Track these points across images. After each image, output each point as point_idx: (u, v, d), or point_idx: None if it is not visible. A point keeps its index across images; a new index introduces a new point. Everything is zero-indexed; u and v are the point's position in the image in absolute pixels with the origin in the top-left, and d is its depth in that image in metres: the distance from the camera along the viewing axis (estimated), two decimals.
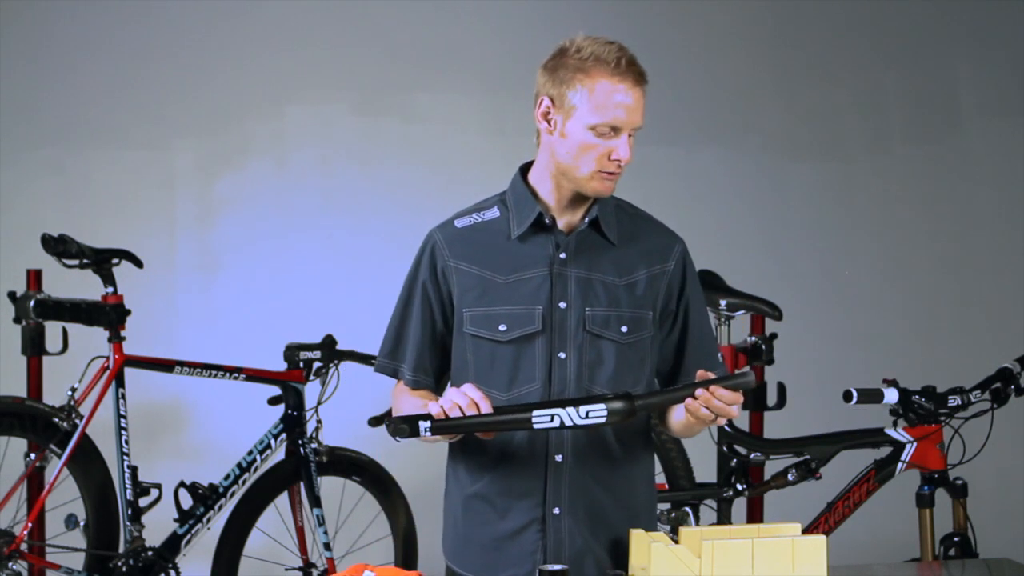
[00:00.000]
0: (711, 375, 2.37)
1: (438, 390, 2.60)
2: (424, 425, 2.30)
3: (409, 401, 2.55)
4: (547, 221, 2.50)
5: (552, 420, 2.31)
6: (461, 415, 2.30)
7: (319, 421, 4.19)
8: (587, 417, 2.32)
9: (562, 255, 2.49)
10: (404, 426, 2.30)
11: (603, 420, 2.32)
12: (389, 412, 2.86)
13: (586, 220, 2.50)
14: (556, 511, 2.48)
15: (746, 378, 2.34)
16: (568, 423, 2.32)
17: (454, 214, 2.58)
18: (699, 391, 2.33)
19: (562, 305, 2.48)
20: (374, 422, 4.11)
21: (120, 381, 3.95)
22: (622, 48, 2.42)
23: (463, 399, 2.31)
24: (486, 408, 2.31)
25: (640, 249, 2.54)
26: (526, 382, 2.48)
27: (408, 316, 2.58)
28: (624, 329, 2.49)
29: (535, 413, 2.31)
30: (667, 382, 2.63)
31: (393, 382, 2.64)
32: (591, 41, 2.42)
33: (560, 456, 2.47)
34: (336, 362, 4.19)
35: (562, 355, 2.48)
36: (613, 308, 2.49)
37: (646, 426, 2.59)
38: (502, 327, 2.48)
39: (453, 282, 2.52)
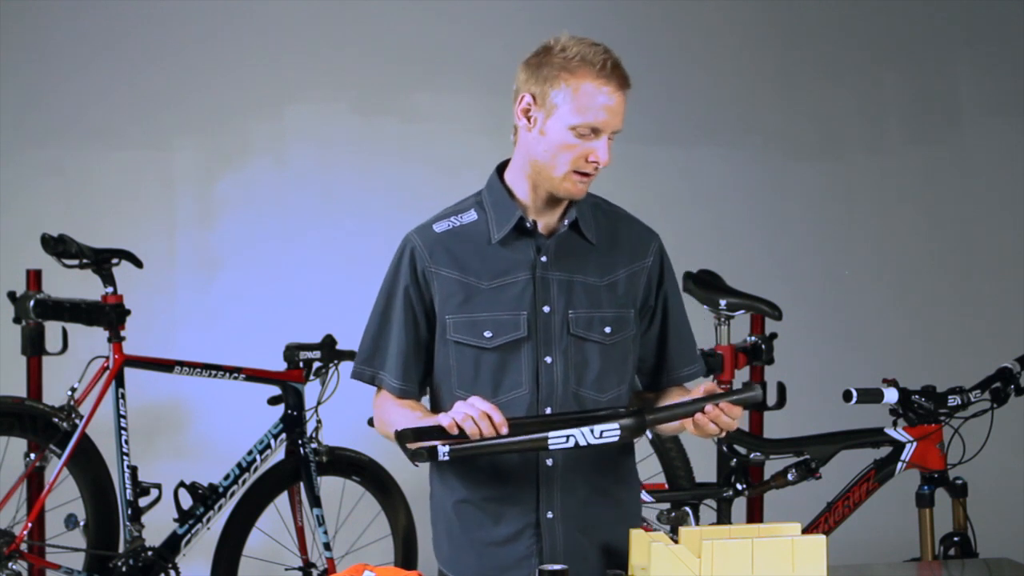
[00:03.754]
0: (718, 390, 2.39)
1: (420, 398, 2.58)
2: (443, 450, 2.29)
3: (397, 411, 2.50)
4: (528, 224, 2.48)
5: (567, 441, 2.33)
6: (475, 429, 2.28)
7: (319, 421, 4.19)
8: (601, 436, 2.33)
9: (543, 258, 2.48)
10: (423, 452, 2.29)
11: (616, 439, 2.33)
12: None
13: (566, 222, 2.49)
14: (549, 515, 2.48)
15: (754, 393, 2.36)
16: (583, 443, 2.33)
17: (431, 217, 2.55)
18: (708, 407, 2.34)
19: (546, 309, 2.47)
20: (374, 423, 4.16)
21: (120, 381, 3.95)
22: (608, 51, 2.41)
23: (475, 411, 2.30)
24: (498, 418, 2.29)
25: (619, 248, 2.53)
26: (512, 388, 2.46)
27: (388, 322, 2.53)
28: (607, 330, 2.49)
29: (551, 434, 2.32)
30: (649, 376, 2.63)
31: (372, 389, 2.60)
32: (577, 42, 2.41)
33: (551, 461, 2.47)
34: (336, 362, 4.19)
35: (548, 359, 2.47)
36: (595, 309, 2.49)
37: None
38: (487, 333, 2.46)
39: (434, 288, 2.49)
